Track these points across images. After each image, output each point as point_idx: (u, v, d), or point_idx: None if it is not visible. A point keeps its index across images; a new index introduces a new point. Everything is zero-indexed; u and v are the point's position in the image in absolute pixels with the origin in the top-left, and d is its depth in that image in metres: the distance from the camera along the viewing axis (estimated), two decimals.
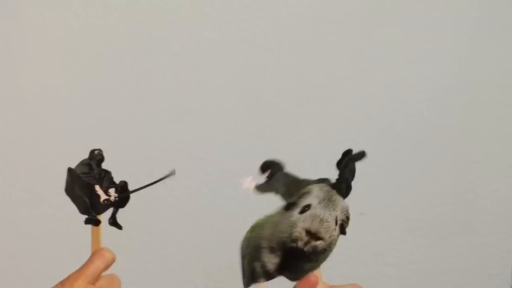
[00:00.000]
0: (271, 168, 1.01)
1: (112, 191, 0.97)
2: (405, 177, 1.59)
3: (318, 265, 0.89)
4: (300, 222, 0.87)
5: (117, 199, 0.97)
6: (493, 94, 1.59)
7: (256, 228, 0.91)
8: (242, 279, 0.90)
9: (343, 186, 0.91)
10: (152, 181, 0.96)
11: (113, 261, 0.95)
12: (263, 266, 0.88)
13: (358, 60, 1.56)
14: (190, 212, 1.55)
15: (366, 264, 1.60)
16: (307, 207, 0.88)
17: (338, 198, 0.89)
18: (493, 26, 1.58)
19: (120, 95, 1.52)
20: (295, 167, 1.61)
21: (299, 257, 0.86)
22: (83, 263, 0.96)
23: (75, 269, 0.95)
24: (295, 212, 0.88)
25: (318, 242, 0.86)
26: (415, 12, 1.56)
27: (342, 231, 0.89)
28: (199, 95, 1.54)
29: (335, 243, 0.88)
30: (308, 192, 0.89)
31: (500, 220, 1.61)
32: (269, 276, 0.89)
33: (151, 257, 1.55)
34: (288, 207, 0.89)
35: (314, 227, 0.86)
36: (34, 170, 1.51)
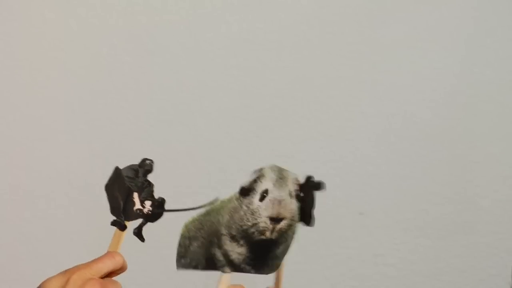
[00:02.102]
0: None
1: (148, 203, 0.97)
2: (405, 177, 1.59)
3: (288, 245, 0.90)
4: (263, 211, 0.87)
5: (149, 213, 0.96)
6: (493, 94, 1.59)
7: (211, 212, 0.92)
8: (178, 258, 0.90)
9: (306, 217, 0.92)
10: (192, 207, 0.95)
11: (122, 267, 0.94)
12: (226, 255, 0.89)
13: (358, 60, 1.56)
14: (190, 212, 1.55)
15: (366, 264, 1.60)
16: (265, 193, 0.88)
17: (286, 171, 0.90)
18: (493, 26, 1.58)
19: (120, 95, 1.52)
20: (295, 167, 1.61)
21: (270, 246, 0.87)
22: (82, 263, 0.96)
23: None
24: (255, 200, 0.88)
25: (282, 223, 0.87)
26: (415, 12, 1.56)
27: (299, 198, 0.90)
28: (199, 95, 1.54)
29: (297, 214, 0.89)
30: (262, 175, 0.89)
31: (500, 220, 1.61)
32: (235, 267, 0.89)
33: (151, 257, 1.55)
34: (245, 192, 0.89)
35: (275, 212, 0.87)
36: (34, 170, 1.51)
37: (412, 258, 1.61)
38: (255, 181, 0.89)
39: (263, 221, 0.87)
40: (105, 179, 1.60)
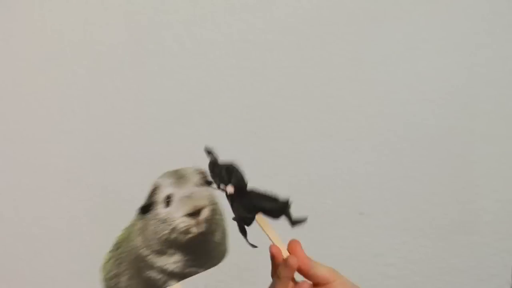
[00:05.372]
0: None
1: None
2: (405, 177, 1.59)
3: (224, 228, 0.89)
4: (176, 213, 0.86)
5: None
6: (493, 94, 1.59)
7: (120, 245, 0.90)
8: None
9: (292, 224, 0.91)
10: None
11: None
12: (164, 271, 0.87)
13: (358, 60, 1.56)
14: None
15: (366, 264, 1.60)
16: (168, 198, 0.87)
17: (182, 170, 0.89)
18: (493, 26, 1.58)
19: (120, 95, 1.52)
20: (295, 167, 1.61)
21: (204, 240, 0.86)
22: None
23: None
24: (160, 210, 0.87)
25: (203, 212, 0.87)
26: (416, 13, 1.56)
27: (208, 182, 0.89)
28: (199, 95, 1.54)
29: (214, 197, 0.88)
30: (157, 187, 0.89)
31: (500, 220, 1.61)
32: (180, 276, 0.88)
33: None
34: (145, 209, 0.88)
35: (189, 207, 0.86)
36: (34, 170, 1.51)
37: (412, 258, 1.61)
38: (151, 195, 0.89)
39: (181, 221, 0.86)
40: (105, 179, 1.60)
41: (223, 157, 1.56)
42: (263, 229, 0.89)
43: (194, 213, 0.86)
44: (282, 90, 1.55)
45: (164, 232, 0.86)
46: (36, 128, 1.51)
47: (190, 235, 0.86)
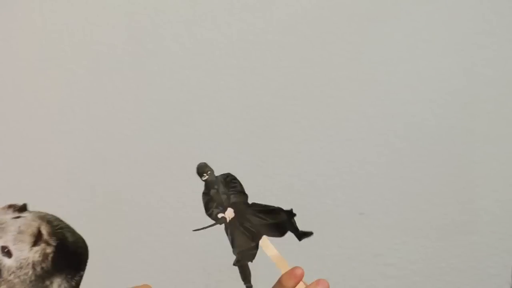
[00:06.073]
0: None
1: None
2: (405, 177, 1.59)
3: (68, 228, 0.84)
4: (23, 253, 0.81)
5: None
6: (493, 94, 1.59)
7: None
8: None
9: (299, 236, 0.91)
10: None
11: None
12: None
13: (358, 60, 1.56)
14: (190, 212, 1.55)
15: (366, 264, 1.60)
16: (4, 249, 0.81)
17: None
18: (493, 26, 1.58)
19: (120, 95, 1.52)
20: (295, 167, 1.61)
21: (63, 249, 0.82)
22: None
23: None
24: (7, 262, 0.81)
25: (43, 229, 0.81)
26: (416, 13, 1.56)
27: (19, 208, 0.85)
28: (199, 95, 1.54)
29: (36, 211, 0.84)
30: None
31: (500, 220, 1.61)
32: None
33: (151, 257, 1.55)
34: None
35: (28, 237, 0.80)
36: (34, 170, 1.51)
37: (412, 258, 1.61)
38: None
39: (33, 253, 0.80)
40: (105, 179, 1.60)
41: (223, 157, 1.56)
42: (265, 251, 0.88)
43: (37, 239, 0.81)
44: (282, 90, 1.55)
45: (29, 275, 0.81)
46: (36, 128, 1.51)
47: (50, 256, 0.82)
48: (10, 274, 0.81)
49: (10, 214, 0.85)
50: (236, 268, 0.92)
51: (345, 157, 1.57)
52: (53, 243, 0.82)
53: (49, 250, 0.82)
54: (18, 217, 0.84)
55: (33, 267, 0.81)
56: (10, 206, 0.86)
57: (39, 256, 0.82)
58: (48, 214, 0.85)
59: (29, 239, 0.81)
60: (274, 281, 0.90)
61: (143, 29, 1.51)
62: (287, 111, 1.55)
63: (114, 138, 1.52)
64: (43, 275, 0.82)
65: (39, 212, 0.86)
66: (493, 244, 1.62)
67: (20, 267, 0.81)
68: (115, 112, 1.52)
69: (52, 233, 0.83)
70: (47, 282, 0.82)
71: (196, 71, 1.53)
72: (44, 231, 0.83)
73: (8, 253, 0.81)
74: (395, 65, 1.57)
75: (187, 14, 1.52)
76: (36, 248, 0.82)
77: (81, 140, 1.51)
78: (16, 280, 0.81)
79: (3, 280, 0.81)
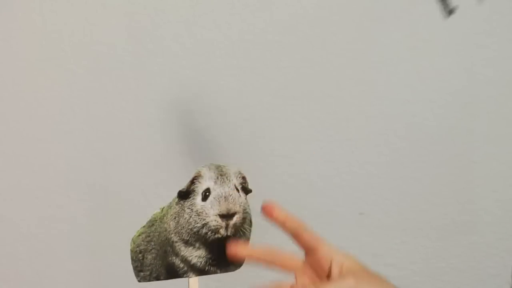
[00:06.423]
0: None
1: None
2: (405, 177, 1.59)
3: (248, 238, 0.89)
4: (210, 210, 0.87)
5: None
6: (493, 94, 1.59)
7: (154, 222, 0.91)
8: (136, 272, 0.88)
9: None
10: None
11: None
12: (186, 261, 0.88)
13: (358, 60, 1.56)
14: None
15: (366, 264, 1.60)
16: (207, 192, 0.87)
17: (225, 168, 0.90)
18: (494, 26, 1.58)
19: (120, 95, 1.52)
20: (295, 167, 1.61)
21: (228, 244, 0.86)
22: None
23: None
24: (197, 201, 0.88)
25: (235, 218, 0.87)
26: (416, 13, 1.56)
27: (246, 191, 0.89)
28: (199, 95, 1.54)
29: (248, 206, 0.88)
30: (199, 176, 0.89)
31: (500, 220, 1.61)
32: (199, 271, 0.88)
33: None
34: (183, 195, 0.89)
35: (224, 208, 0.86)
36: (34, 170, 1.51)
37: (412, 258, 1.61)
38: (192, 182, 0.89)
39: (213, 220, 0.87)
40: (105, 179, 1.60)
41: (223, 157, 1.56)
42: None
43: (227, 216, 0.87)
44: (282, 90, 1.55)
45: (195, 225, 0.87)
46: (36, 128, 1.51)
47: (217, 236, 0.87)
48: (188, 209, 0.88)
49: (237, 181, 0.91)
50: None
51: (345, 157, 1.57)
52: (228, 233, 0.89)
53: (222, 232, 0.89)
54: (237, 189, 0.90)
55: (202, 226, 0.88)
56: (243, 178, 0.92)
57: (213, 226, 0.88)
58: (249, 216, 0.92)
59: (223, 209, 0.88)
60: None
61: (143, 29, 1.51)
62: (287, 111, 1.55)
63: (114, 138, 1.52)
64: (200, 238, 0.89)
65: (247, 207, 0.92)
66: (493, 244, 1.62)
67: (197, 214, 0.88)
68: (115, 112, 1.52)
69: (236, 227, 0.89)
70: (197, 245, 0.89)
71: (196, 71, 1.53)
72: (236, 219, 0.88)
73: (205, 197, 0.88)
74: (395, 65, 1.57)
75: (187, 14, 1.52)
76: (218, 219, 0.88)
77: (81, 140, 1.51)
78: (186, 216, 0.89)
79: (182, 206, 0.89)
